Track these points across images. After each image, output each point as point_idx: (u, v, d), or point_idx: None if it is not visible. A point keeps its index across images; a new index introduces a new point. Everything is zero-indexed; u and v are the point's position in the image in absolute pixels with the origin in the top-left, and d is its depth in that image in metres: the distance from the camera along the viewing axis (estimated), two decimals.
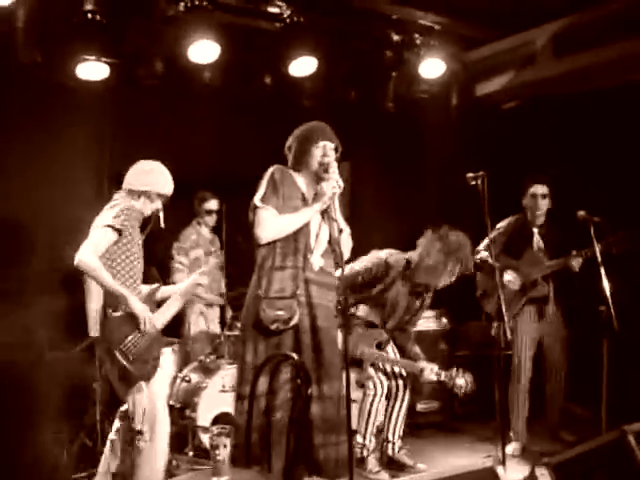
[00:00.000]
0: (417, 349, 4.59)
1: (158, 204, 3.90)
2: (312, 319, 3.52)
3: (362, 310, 4.50)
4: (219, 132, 5.99)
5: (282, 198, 3.56)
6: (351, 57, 5.96)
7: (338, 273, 3.56)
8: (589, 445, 2.95)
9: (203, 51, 5.27)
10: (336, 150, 3.67)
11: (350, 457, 3.19)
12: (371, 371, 4.43)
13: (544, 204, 5.07)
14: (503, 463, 3.65)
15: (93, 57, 5.12)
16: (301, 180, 3.68)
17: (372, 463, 4.39)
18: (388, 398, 4.54)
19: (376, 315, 4.52)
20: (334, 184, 3.50)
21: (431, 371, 4.34)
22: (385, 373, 4.51)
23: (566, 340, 5.12)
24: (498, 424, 3.97)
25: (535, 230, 5.14)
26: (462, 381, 4.27)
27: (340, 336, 3.53)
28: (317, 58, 5.65)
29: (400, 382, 4.52)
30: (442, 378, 4.33)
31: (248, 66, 5.71)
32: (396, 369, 4.52)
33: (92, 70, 5.17)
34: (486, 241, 4.99)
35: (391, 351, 4.61)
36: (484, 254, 5.01)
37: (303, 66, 5.68)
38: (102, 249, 3.64)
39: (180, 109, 5.80)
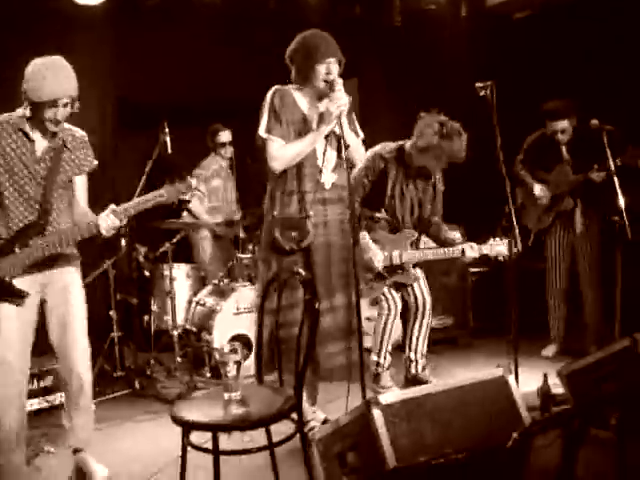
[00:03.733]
0: (450, 234, 4.53)
1: (48, 113, 3.10)
2: (324, 236, 3.59)
3: (383, 213, 4.42)
4: (222, 53, 5.89)
5: (285, 124, 3.53)
6: None
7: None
8: (601, 354, 2.97)
9: None
10: (339, 64, 3.56)
11: (361, 362, 3.33)
12: (385, 290, 4.40)
13: (565, 137, 5.03)
14: (515, 374, 3.68)
15: None
16: (302, 99, 3.62)
17: (385, 379, 4.41)
18: (408, 316, 4.52)
19: (398, 215, 4.43)
20: (340, 102, 3.40)
21: (471, 249, 4.33)
22: (407, 291, 4.48)
23: (595, 256, 5.12)
24: (512, 337, 3.95)
25: (563, 147, 5.09)
26: (502, 247, 4.26)
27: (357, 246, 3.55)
28: None
29: (420, 300, 4.46)
30: (484, 251, 4.34)
31: None
32: (417, 286, 4.47)
33: None
34: (520, 155, 5.27)
35: (425, 246, 4.60)
36: (519, 167, 5.25)
37: None
38: None
39: (182, 30, 5.68)
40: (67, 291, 3.31)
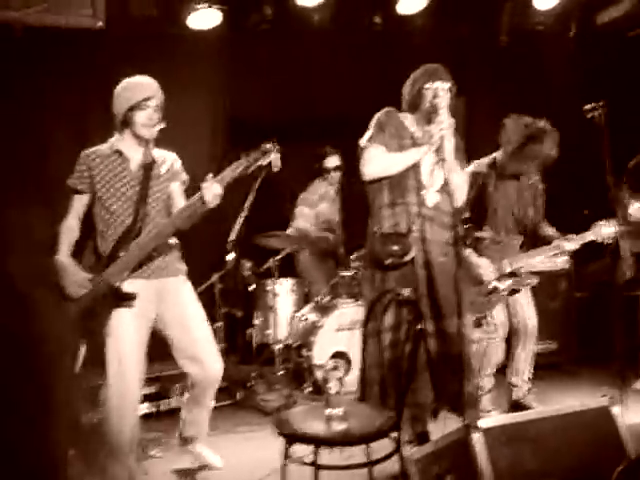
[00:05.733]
0: (549, 230, 4.43)
1: (141, 117, 3.34)
2: (427, 254, 3.56)
3: (486, 231, 4.37)
4: (331, 74, 5.96)
5: (389, 136, 3.58)
6: None
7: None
8: None
9: None
10: (450, 91, 3.60)
11: (461, 386, 3.34)
12: (493, 313, 4.33)
13: None
14: (622, 403, 3.55)
15: (205, 5, 5.19)
16: (410, 121, 3.67)
17: (485, 403, 4.34)
18: (513, 339, 4.44)
19: (501, 226, 4.36)
20: (443, 125, 3.47)
21: (568, 241, 4.21)
22: (513, 313, 4.39)
23: None
24: (618, 365, 3.83)
25: None
26: (611, 229, 4.08)
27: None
28: None
29: (525, 322, 4.37)
30: (587, 239, 4.18)
31: (357, 6, 5.64)
32: (525, 308, 4.38)
33: (204, 18, 5.27)
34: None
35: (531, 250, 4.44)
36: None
37: (413, 2, 5.56)
38: (74, 212, 3.40)
39: (291, 53, 5.81)
40: (181, 294, 3.48)
